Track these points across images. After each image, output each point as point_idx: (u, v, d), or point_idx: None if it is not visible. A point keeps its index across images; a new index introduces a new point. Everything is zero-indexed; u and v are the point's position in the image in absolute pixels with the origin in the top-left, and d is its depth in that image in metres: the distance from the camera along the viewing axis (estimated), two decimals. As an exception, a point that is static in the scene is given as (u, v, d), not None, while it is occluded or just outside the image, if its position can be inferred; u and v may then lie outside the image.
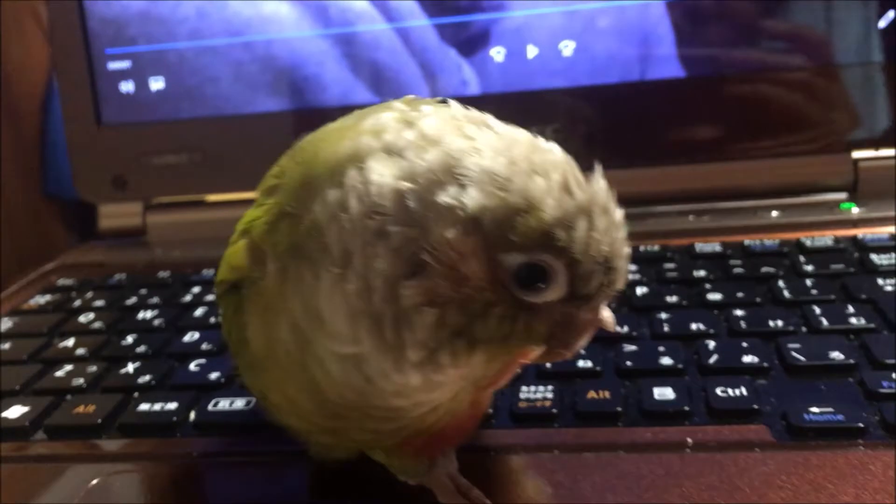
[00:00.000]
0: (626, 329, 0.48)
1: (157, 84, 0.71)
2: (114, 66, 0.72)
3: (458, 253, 0.27)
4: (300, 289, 0.29)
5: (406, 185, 0.27)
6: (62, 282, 0.66)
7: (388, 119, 0.29)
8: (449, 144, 0.27)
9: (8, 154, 0.84)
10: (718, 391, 0.41)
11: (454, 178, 0.27)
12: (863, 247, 0.55)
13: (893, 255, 0.54)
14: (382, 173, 0.27)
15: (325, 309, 0.28)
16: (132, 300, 0.60)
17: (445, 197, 0.27)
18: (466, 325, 0.28)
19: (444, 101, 0.31)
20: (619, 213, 0.29)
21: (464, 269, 0.27)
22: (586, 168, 0.29)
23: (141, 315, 0.57)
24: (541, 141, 0.29)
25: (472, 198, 0.26)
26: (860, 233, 0.58)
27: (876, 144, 0.65)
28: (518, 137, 0.29)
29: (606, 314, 0.36)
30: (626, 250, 0.29)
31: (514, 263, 0.27)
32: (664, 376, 0.43)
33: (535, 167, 0.27)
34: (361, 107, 0.32)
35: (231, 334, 0.33)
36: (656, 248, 0.59)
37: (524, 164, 0.27)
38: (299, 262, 0.29)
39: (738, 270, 0.54)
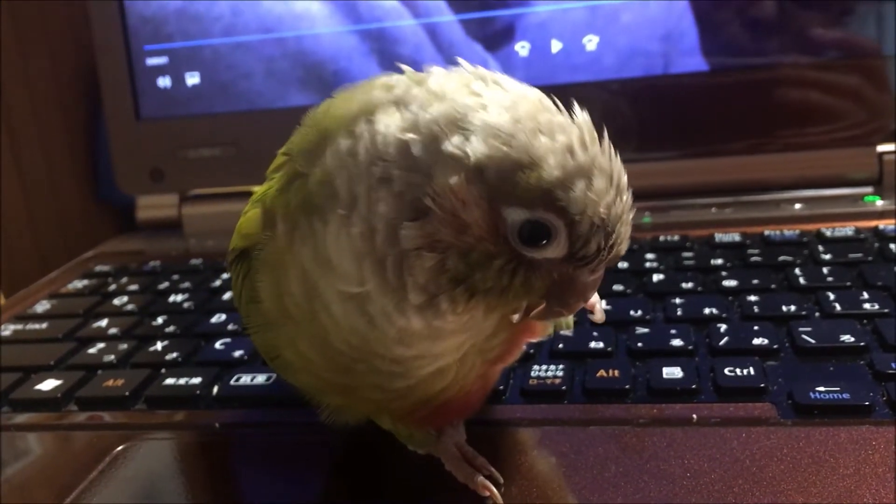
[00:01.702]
0: (640, 313, 0.48)
1: (192, 79, 0.74)
2: (152, 61, 0.74)
3: (460, 200, 0.28)
4: (310, 238, 0.30)
5: (410, 135, 0.28)
6: (100, 268, 0.68)
7: (399, 77, 0.30)
8: (455, 99, 0.28)
9: (63, 159, 0.88)
10: (726, 371, 0.41)
11: (459, 130, 0.28)
12: (883, 237, 0.55)
13: (914, 244, 0.53)
14: (388, 123, 0.29)
15: (332, 251, 0.29)
16: (164, 285, 0.62)
17: (449, 146, 0.28)
18: (466, 274, 0.29)
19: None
20: (623, 179, 0.29)
21: (465, 216, 0.28)
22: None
23: (172, 298, 0.59)
24: (552, 102, 0.29)
25: (475, 148, 0.27)
26: (882, 224, 0.57)
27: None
28: (528, 96, 0.29)
29: (597, 302, 0.37)
30: (629, 215, 0.30)
31: (518, 219, 0.28)
32: (674, 357, 0.44)
33: (541, 126, 0.28)
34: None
35: (241, 299, 0.35)
36: (676, 237, 0.59)
37: (530, 123, 0.28)
38: (310, 214, 0.30)
39: (755, 259, 0.54)
